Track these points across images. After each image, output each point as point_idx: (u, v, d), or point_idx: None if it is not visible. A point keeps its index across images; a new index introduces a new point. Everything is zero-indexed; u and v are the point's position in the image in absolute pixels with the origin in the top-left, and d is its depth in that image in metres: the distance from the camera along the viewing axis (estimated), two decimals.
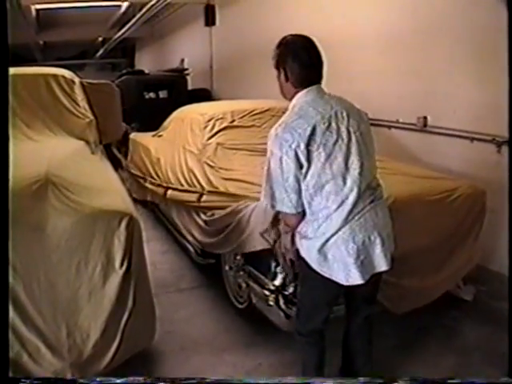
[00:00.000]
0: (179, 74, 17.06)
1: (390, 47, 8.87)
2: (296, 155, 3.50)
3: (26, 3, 16.02)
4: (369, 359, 4.42)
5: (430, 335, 5.60)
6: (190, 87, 16.90)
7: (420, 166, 6.50)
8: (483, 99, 7.12)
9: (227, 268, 6.20)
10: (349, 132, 3.64)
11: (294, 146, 3.49)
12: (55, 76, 6.62)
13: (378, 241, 3.72)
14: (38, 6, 17.83)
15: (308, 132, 3.50)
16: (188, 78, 17.12)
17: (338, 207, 3.60)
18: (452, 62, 7.57)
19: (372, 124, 8.92)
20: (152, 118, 10.35)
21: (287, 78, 3.73)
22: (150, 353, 5.11)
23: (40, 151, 5.36)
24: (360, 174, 3.64)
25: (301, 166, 3.54)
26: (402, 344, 5.38)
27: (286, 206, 3.68)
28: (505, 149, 6.80)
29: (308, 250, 3.75)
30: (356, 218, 3.63)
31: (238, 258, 5.76)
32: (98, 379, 3.91)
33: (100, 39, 29.42)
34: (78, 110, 6.49)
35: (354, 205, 3.62)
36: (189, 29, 20.65)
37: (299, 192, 3.62)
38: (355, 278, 3.69)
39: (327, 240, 3.64)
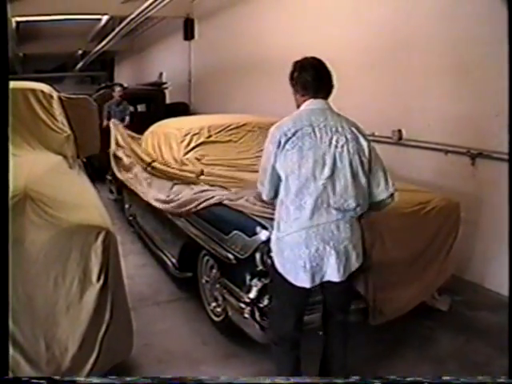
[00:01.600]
0: (157, 87, 17.09)
1: (367, 63, 8.96)
2: (277, 148, 3.92)
3: None
4: (344, 363, 4.56)
5: (405, 345, 5.65)
6: (168, 101, 16.89)
7: (395, 179, 6.54)
8: (457, 113, 7.21)
9: (204, 281, 6.25)
10: (330, 145, 3.90)
11: (277, 140, 3.92)
12: (34, 91, 6.62)
13: (332, 252, 3.92)
14: (18, 19, 17.81)
15: (291, 131, 3.89)
16: (166, 91, 17.12)
17: (297, 209, 3.90)
18: (427, 77, 7.66)
19: None
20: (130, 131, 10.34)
21: (296, 90, 4.17)
22: (128, 366, 5.09)
23: (18, 166, 5.35)
24: (324, 185, 3.89)
25: (275, 158, 3.95)
26: (377, 354, 5.42)
27: (264, 193, 4.18)
28: (479, 161, 6.90)
29: (274, 244, 4.12)
30: (314, 225, 3.89)
31: (215, 271, 5.82)
32: (98, 379, 3.98)
33: (80, 52, 29.42)
34: (56, 125, 6.50)
35: (313, 213, 3.89)
36: (168, 43, 20.72)
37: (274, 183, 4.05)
38: (303, 281, 3.97)
39: (283, 237, 3.99)
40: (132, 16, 16.74)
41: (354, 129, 4.07)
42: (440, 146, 7.41)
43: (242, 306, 5.02)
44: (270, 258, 4.43)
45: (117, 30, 19.79)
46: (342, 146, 3.92)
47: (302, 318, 4.39)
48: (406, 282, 5.53)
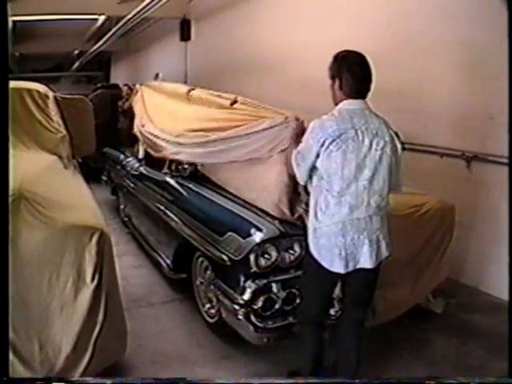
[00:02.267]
0: None
1: None
2: (320, 147, 4.01)
3: None
4: (356, 359, 4.65)
5: (399, 347, 5.64)
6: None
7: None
8: (454, 115, 7.21)
9: (198, 282, 6.25)
10: (370, 147, 4.05)
11: (321, 140, 3.99)
12: (29, 91, 6.62)
13: (366, 241, 4.14)
14: (15, 18, 17.78)
15: (334, 133, 3.97)
16: None
17: (337, 205, 4.08)
18: (423, 79, 7.66)
19: None
20: (127, 132, 10.31)
21: (341, 88, 4.16)
22: (122, 366, 5.09)
23: (13, 166, 5.34)
24: (365, 186, 4.08)
25: (317, 156, 4.05)
26: (371, 356, 5.36)
27: (301, 176, 4.28)
28: (474, 164, 6.90)
29: (309, 233, 4.26)
30: (350, 218, 4.08)
31: (209, 272, 5.82)
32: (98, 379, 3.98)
33: (76, 52, 29.35)
34: (52, 125, 6.50)
35: (351, 209, 4.08)
36: (164, 43, 20.71)
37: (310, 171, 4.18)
38: (337, 267, 4.15)
39: (320, 228, 4.16)
40: (128, 16, 16.67)
41: (390, 131, 4.20)
42: (435, 148, 7.43)
43: (236, 307, 5.01)
44: (266, 259, 4.91)
45: (113, 30, 19.73)
46: (382, 149, 4.08)
47: (329, 302, 4.78)
48: (400, 284, 5.54)
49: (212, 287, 5.69)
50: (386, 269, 5.07)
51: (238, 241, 5.11)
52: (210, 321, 5.97)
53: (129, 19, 17.07)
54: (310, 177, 4.23)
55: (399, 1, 8.32)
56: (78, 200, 4.98)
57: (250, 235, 5.05)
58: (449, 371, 5.22)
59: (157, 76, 20.86)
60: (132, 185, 8.88)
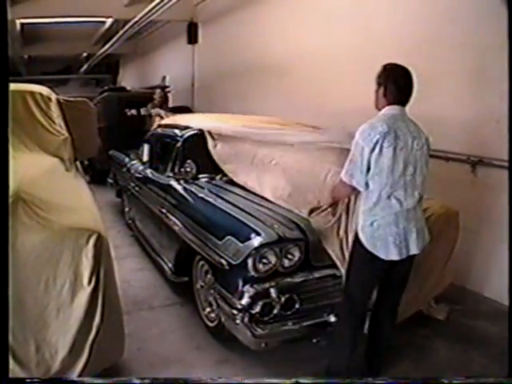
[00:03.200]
0: (160, 91, 16.98)
1: (363, 68, 8.92)
2: (373, 145, 4.34)
3: (11, 17, 15.96)
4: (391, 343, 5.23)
5: (400, 354, 5.58)
6: (171, 104, 16.78)
7: None
8: (459, 119, 7.17)
9: (199, 286, 6.23)
10: (413, 147, 4.51)
11: (373, 139, 4.33)
12: (32, 93, 6.61)
13: (413, 229, 4.62)
14: (23, 21, 17.82)
15: (385, 131, 4.35)
16: (169, 95, 17.04)
17: (388, 198, 4.50)
18: (427, 83, 7.61)
19: None
20: (133, 135, 10.31)
21: (385, 95, 4.59)
22: (120, 369, 5.08)
23: (14, 168, 5.34)
24: (410, 181, 4.54)
25: (371, 155, 4.38)
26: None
27: (358, 183, 4.53)
28: (479, 168, 6.86)
29: (363, 227, 4.59)
30: (401, 209, 4.52)
31: (209, 276, 5.80)
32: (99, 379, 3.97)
33: (84, 55, 29.52)
34: (54, 127, 6.49)
35: (401, 202, 4.52)
36: (171, 46, 20.74)
37: (366, 175, 4.47)
38: (393, 255, 4.56)
39: (376, 220, 4.52)
40: (135, 19, 16.73)
41: (424, 134, 4.67)
42: (440, 153, 7.34)
43: (234, 312, 5.00)
44: (264, 264, 4.99)
45: (120, 32, 19.79)
46: (421, 149, 4.58)
47: (396, 297, 5.08)
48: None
49: (212, 291, 5.69)
50: None
51: (237, 245, 5.10)
52: (210, 325, 5.95)
53: (135, 22, 17.14)
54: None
55: (402, 5, 8.28)
56: (77, 202, 4.97)
57: (248, 239, 5.04)
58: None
59: (164, 79, 20.91)
60: (136, 187, 8.89)
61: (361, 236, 4.60)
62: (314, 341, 5.20)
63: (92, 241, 4.19)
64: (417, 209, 4.65)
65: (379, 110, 4.65)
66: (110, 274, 4.46)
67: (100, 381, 4.26)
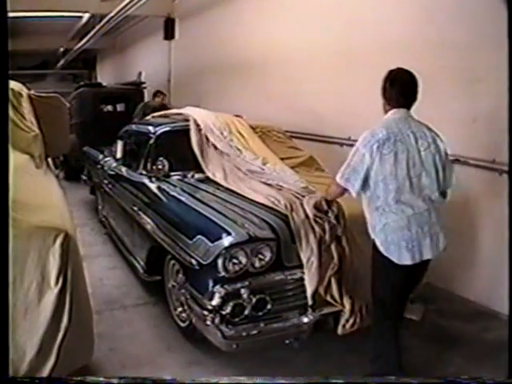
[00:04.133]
0: (136, 87, 17.02)
1: (344, 65, 8.90)
2: (374, 152, 4.41)
3: None
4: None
5: None
6: (146, 100, 16.65)
7: None
8: (434, 117, 7.13)
9: (170, 286, 6.16)
10: (417, 148, 4.55)
11: (374, 146, 4.41)
12: None
13: (427, 234, 4.59)
14: None
15: (384, 137, 4.43)
16: (145, 91, 17.01)
17: (397, 203, 4.51)
18: None
19: (323, 141, 8.96)
20: (109, 131, 10.21)
21: (389, 99, 4.72)
22: (91, 370, 4.96)
23: None
24: (416, 183, 4.54)
25: (372, 162, 4.44)
26: (345, 365, 5.31)
27: (353, 187, 4.60)
28: (463, 169, 6.82)
29: (376, 230, 4.65)
30: (413, 213, 4.52)
31: (180, 275, 5.73)
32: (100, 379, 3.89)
33: (61, 50, 29.23)
34: (24, 124, 6.37)
35: (411, 204, 4.53)
36: (148, 42, 20.65)
37: (365, 180, 4.54)
38: (405, 260, 4.56)
39: (388, 223, 4.55)
40: (111, 14, 16.62)
41: (432, 133, 4.71)
42: None
43: (205, 313, 4.94)
44: (234, 264, 4.92)
45: (97, 28, 19.64)
46: (426, 149, 4.58)
47: (404, 296, 5.04)
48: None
49: (183, 291, 5.61)
50: (361, 274, 5.12)
51: (207, 244, 5.04)
52: (182, 325, 5.89)
53: (112, 17, 17.04)
54: (363, 187, 4.59)
55: (384, 1, 8.22)
56: (46, 201, 4.88)
57: (218, 239, 4.99)
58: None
59: (140, 74, 20.81)
60: (109, 185, 8.83)
61: (376, 240, 4.67)
62: (287, 342, 5.16)
63: (59, 240, 4.10)
64: (431, 212, 4.63)
65: (386, 113, 4.77)
66: (78, 274, 4.39)
67: (103, 380, 4.18)
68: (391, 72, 4.80)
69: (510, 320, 4.43)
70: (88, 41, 22.38)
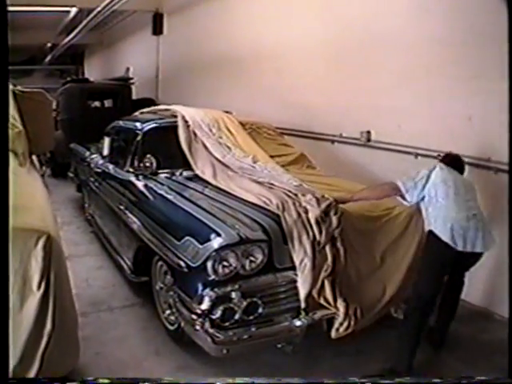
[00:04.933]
0: (124, 83, 16.87)
1: (335, 61, 8.81)
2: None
3: None
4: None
5: (368, 357, 5.41)
6: (135, 97, 16.64)
7: (362, 182, 6.38)
8: (429, 114, 7.03)
9: (158, 287, 6.03)
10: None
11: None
12: None
13: (479, 228, 4.97)
14: None
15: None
16: (133, 87, 16.86)
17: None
18: (399, 77, 7.48)
19: (314, 138, 8.86)
20: (96, 128, 10.04)
21: None
22: (76, 376, 4.73)
23: None
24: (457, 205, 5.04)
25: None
26: (337, 367, 5.22)
27: (411, 197, 5.22)
28: None
29: (437, 217, 5.05)
30: (457, 215, 4.99)
31: (168, 277, 5.58)
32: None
33: (49, 45, 29.05)
34: None
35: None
36: (136, 37, 20.57)
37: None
38: (459, 246, 4.90)
39: (447, 215, 5.00)
40: (99, 8, 16.49)
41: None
42: (410, 148, 7.27)
43: (194, 317, 4.80)
44: (224, 267, 4.78)
45: (84, 22, 19.51)
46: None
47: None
48: (374, 287, 5.41)
49: (171, 293, 5.47)
50: (358, 271, 5.18)
51: (196, 246, 4.90)
52: (170, 328, 5.74)
53: (99, 11, 16.92)
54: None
55: None
56: (29, 201, 4.72)
57: (208, 240, 4.84)
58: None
59: (127, 70, 20.69)
60: (95, 182, 8.74)
61: (435, 227, 4.99)
62: (279, 346, 5.04)
63: (41, 243, 3.94)
64: (477, 215, 5.06)
65: None
66: (62, 277, 4.23)
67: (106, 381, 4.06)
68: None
69: (510, 320, 4.39)
70: (75, 36, 22.25)
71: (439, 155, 6.58)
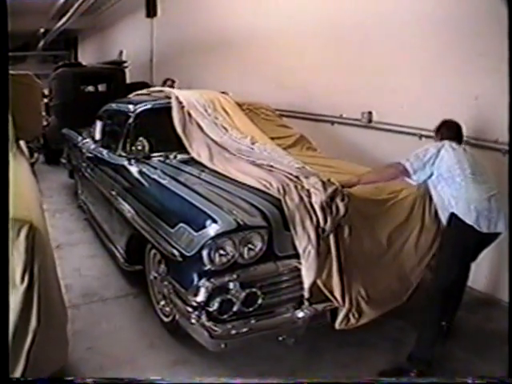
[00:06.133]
0: (117, 66, 16.63)
1: (334, 40, 8.64)
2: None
3: None
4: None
5: (373, 348, 5.24)
6: (129, 80, 16.46)
7: (364, 165, 6.16)
8: (432, 94, 6.82)
9: (152, 277, 5.80)
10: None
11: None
12: None
13: (501, 209, 4.88)
14: None
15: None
16: (127, 71, 16.65)
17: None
18: (401, 56, 7.28)
19: (314, 119, 8.66)
20: (90, 112, 9.82)
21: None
22: (67, 372, 4.56)
23: None
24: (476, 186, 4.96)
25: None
26: (340, 359, 5.06)
27: (418, 177, 5.10)
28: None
29: (461, 200, 4.92)
30: (479, 196, 4.91)
31: (163, 266, 5.34)
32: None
33: (42, 30, 28.91)
34: None
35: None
36: (130, 20, 20.47)
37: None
38: (483, 227, 4.82)
39: (468, 198, 4.90)
40: None
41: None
42: (413, 129, 7.07)
43: (189, 309, 4.55)
44: (221, 255, 4.52)
45: (75, 5, 19.35)
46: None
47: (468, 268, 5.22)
48: (382, 276, 5.23)
49: (166, 283, 5.23)
50: (365, 256, 5.10)
51: (190, 234, 4.65)
52: (165, 319, 5.53)
53: None
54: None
55: None
56: (13, 188, 4.46)
57: (203, 227, 4.58)
58: (427, 374, 4.82)
59: (120, 53, 20.51)
60: (87, 168, 8.57)
61: (458, 210, 4.89)
62: (280, 339, 4.80)
63: (23, 233, 3.70)
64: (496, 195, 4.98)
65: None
66: (47, 269, 4.01)
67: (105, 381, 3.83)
68: (444, 121, 5.45)
69: (509, 320, 4.40)
70: (68, 20, 22.15)
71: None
